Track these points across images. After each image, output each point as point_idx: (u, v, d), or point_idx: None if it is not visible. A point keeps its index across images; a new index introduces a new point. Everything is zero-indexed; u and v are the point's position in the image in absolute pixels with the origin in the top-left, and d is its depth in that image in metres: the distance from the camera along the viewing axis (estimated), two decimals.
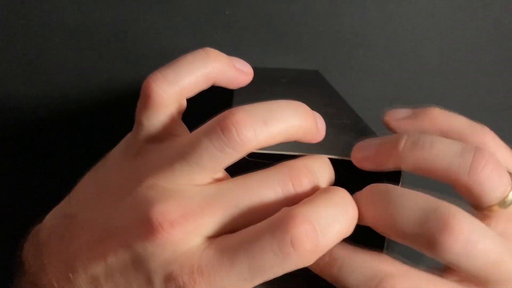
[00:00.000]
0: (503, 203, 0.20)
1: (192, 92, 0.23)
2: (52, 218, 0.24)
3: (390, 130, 0.26)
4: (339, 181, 0.22)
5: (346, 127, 0.28)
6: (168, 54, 0.47)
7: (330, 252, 0.19)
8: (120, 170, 0.22)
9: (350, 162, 0.22)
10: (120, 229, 0.19)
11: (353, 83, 0.49)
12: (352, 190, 0.21)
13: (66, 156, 0.50)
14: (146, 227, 0.18)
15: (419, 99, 0.51)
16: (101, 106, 0.48)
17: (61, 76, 0.47)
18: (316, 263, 0.19)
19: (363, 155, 0.22)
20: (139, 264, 0.18)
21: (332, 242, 0.18)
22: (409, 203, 0.19)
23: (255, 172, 0.20)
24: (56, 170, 0.51)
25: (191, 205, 0.18)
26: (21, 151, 0.50)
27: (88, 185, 0.23)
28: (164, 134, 0.22)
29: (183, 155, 0.19)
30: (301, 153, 0.22)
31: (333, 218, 0.18)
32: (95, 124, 0.49)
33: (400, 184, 0.22)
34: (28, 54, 0.46)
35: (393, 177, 0.22)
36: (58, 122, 0.49)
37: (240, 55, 0.47)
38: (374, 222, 0.20)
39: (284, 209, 0.18)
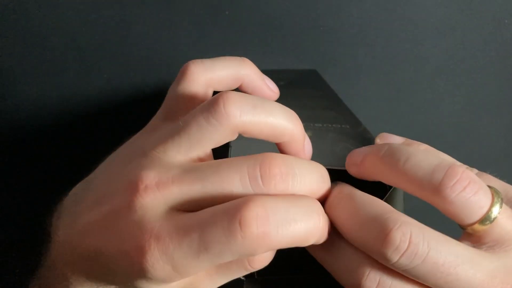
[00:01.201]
0: (483, 221, 0.19)
1: (220, 85, 0.25)
2: (77, 185, 0.25)
3: None
4: None
5: (345, 132, 0.28)
6: (168, 54, 0.47)
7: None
8: (133, 143, 0.25)
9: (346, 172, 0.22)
10: (113, 191, 0.20)
11: (353, 83, 0.49)
12: None
13: (66, 155, 0.50)
14: (127, 189, 0.19)
15: (419, 99, 0.51)
16: (101, 106, 0.48)
17: (61, 76, 0.47)
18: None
19: (352, 161, 0.22)
20: (115, 223, 0.19)
21: (283, 240, 0.18)
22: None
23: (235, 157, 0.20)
24: (56, 169, 0.51)
25: (166, 175, 0.19)
26: (21, 151, 0.50)
27: (109, 156, 0.25)
28: (181, 113, 0.23)
29: (179, 128, 0.20)
30: None
31: (292, 217, 0.18)
32: (95, 124, 0.49)
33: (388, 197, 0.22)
34: (28, 54, 0.46)
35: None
36: (58, 122, 0.49)
37: (240, 55, 0.47)
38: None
39: (247, 195, 0.18)
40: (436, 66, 0.49)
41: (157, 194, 0.19)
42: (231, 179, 0.19)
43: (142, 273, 0.18)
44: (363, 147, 0.22)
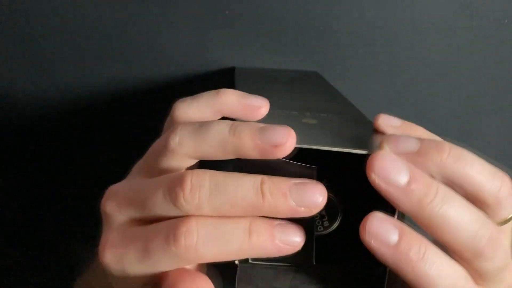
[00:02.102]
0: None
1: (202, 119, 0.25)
2: None
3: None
4: (348, 176, 0.22)
5: (351, 120, 0.28)
6: (168, 54, 0.47)
7: (420, 250, 0.20)
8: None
9: (361, 156, 0.22)
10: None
11: (353, 83, 0.49)
12: (363, 185, 0.21)
13: (66, 155, 0.50)
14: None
15: (419, 99, 0.51)
16: (101, 106, 0.48)
17: (61, 76, 0.47)
18: (407, 261, 0.20)
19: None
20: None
21: (209, 253, 0.20)
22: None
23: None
24: (56, 169, 0.51)
25: (130, 194, 0.23)
26: (21, 150, 0.50)
27: None
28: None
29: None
30: (317, 147, 0.21)
31: (218, 233, 0.20)
32: (95, 123, 0.49)
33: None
34: (28, 54, 0.46)
35: None
36: (58, 121, 0.49)
37: (240, 55, 0.47)
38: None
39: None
40: (436, 66, 0.49)
41: (117, 212, 0.23)
42: (151, 194, 0.21)
43: (105, 271, 0.22)
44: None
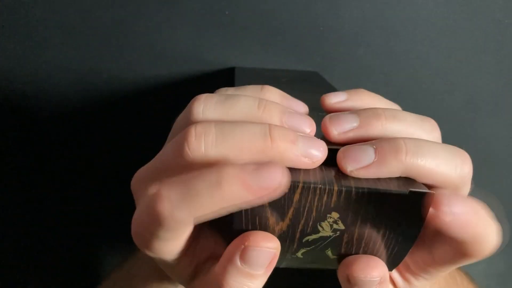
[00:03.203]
0: None
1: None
2: None
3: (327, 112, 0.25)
4: None
5: None
6: (168, 54, 0.47)
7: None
8: None
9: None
10: None
11: (353, 83, 0.49)
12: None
13: (66, 155, 0.50)
14: None
15: (419, 99, 0.51)
16: (101, 106, 0.48)
17: (61, 76, 0.47)
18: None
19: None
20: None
21: (184, 214, 0.19)
22: None
23: None
24: (56, 169, 0.51)
25: (150, 166, 0.23)
26: (21, 151, 0.50)
27: None
28: None
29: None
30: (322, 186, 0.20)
31: (185, 193, 0.19)
32: (95, 123, 0.49)
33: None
34: (28, 54, 0.46)
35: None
36: (58, 121, 0.49)
37: (240, 55, 0.47)
38: None
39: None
40: (436, 66, 0.49)
41: (140, 188, 0.23)
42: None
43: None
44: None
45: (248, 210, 0.21)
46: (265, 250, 0.20)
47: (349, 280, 0.22)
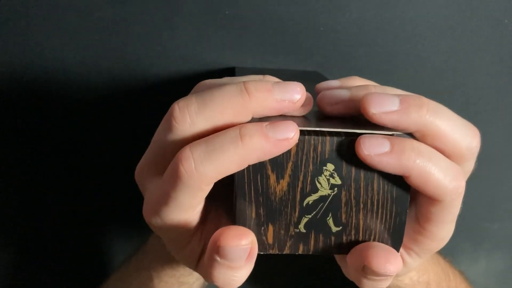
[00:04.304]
0: None
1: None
2: None
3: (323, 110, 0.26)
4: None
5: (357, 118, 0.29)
6: (168, 54, 0.47)
7: (413, 145, 0.22)
8: None
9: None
10: None
11: None
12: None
13: (66, 155, 0.50)
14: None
15: None
16: (101, 106, 0.48)
17: (61, 76, 0.47)
18: (407, 156, 0.21)
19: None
20: None
21: (210, 171, 0.20)
22: None
23: None
24: (56, 169, 0.51)
25: (147, 155, 0.25)
26: (21, 151, 0.50)
27: None
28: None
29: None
30: (317, 128, 0.22)
31: (209, 151, 0.20)
32: (95, 123, 0.49)
33: None
34: (28, 54, 0.46)
35: None
36: (58, 121, 0.49)
37: (240, 55, 0.47)
38: None
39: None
40: (436, 66, 0.49)
41: (142, 178, 0.25)
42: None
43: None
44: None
45: (250, 169, 0.22)
46: (239, 248, 0.21)
47: (364, 270, 0.22)
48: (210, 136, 0.21)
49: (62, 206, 0.52)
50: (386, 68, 0.49)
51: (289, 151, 0.22)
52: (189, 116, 0.21)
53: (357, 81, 0.27)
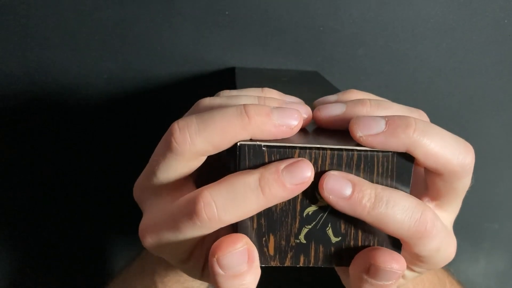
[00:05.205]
0: None
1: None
2: None
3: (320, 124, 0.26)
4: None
5: None
6: (168, 54, 0.47)
7: (374, 195, 0.22)
8: None
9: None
10: None
11: (353, 83, 0.49)
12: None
13: (66, 156, 0.50)
14: None
15: (419, 99, 0.51)
16: (101, 106, 0.48)
17: (61, 76, 0.47)
18: (362, 207, 0.22)
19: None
20: None
21: (231, 218, 0.21)
22: None
23: None
24: (56, 170, 0.51)
25: (145, 174, 0.25)
26: (21, 151, 0.50)
27: None
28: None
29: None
30: (317, 145, 0.22)
31: (231, 200, 0.21)
32: (95, 124, 0.49)
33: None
34: (28, 54, 0.46)
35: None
36: (58, 122, 0.49)
37: (240, 55, 0.47)
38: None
39: (196, 190, 0.22)
40: (436, 66, 0.50)
41: (141, 197, 0.26)
42: None
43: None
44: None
45: None
46: (235, 252, 0.21)
47: (369, 271, 0.23)
48: (228, 181, 0.21)
49: (62, 207, 0.52)
50: (386, 68, 0.49)
51: None
52: (190, 137, 0.21)
53: (354, 95, 0.28)
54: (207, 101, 0.25)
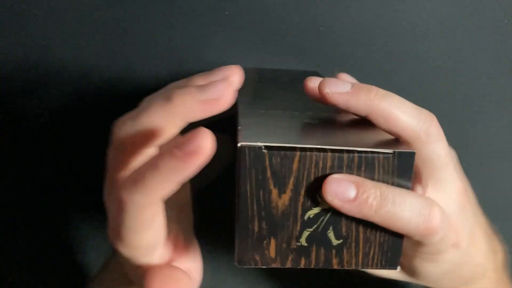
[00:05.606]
0: None
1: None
2: None
3: (320, 100, 0.27)
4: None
5: (354, 119, 0.29)
6: (168, 54, 0.47)
7: (379, 194, 0.22)
8: None
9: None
10: None
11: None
12: None
13: (66, 156, 0.50)
14: None
15: (419, 99, 0.51)
16: (101, 106, 0.48)
17: (61, 76, 0.47)
18: (368, 207, 0.22)
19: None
20: None
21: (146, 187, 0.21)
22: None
23: None
24: (56, 170, 0.51)
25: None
26: (21, 151, 0.50)
27: None
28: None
29: None
30: (318, 146, 0.23)
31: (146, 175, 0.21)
32: (95, 124, 0.49)
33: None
34: (28, 54, 0.46)
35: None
36: (58, 122, 0.49)
37: (240, 55, 0.47)
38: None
39: None
40: (436, 66, 0.50)
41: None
42: None
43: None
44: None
45: (253, 184, 0.22)
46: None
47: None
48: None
49: (60, 207, 0.52)
50: (386, 68, 0.49)
51: (291, 166, 0.22)
52: (128, 125, 0.24)
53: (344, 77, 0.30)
54: (146, 98, 0.27)
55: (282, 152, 0.22)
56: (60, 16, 0.45)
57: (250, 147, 0.22)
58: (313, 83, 0.27)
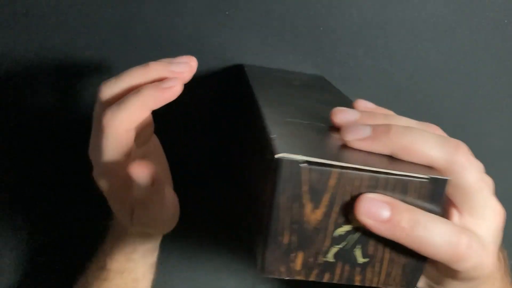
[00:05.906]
0: None
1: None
2: None
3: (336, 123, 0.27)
4: None
5: None
6: (168, 54, 0.47)
7: (412, 217, 0.22)
8: None
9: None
10: None
11: (352, 83, 0.49)
12: None
13: (66, 156, 0.50)
14: None
15: (419, 99, 0.51)
16: None
17: (61, 76, 0.47)
18: (401, 230, 0.22)
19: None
20: None
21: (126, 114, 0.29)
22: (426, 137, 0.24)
23: None
24: (56, 170, 0.51)
25: None
26: (21, 151, 0.50)
27: None
28: None
29: None
30: (357, 166, 0.22)
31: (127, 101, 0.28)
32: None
33: None
34: (28, 54, 0.46)
35: None
36: (58, 122, 0.49)
37: (239, 55, 0.47)
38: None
39: None
40: (436, 66, 0.50)
41: None
42: None
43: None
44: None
45: (287, 196, 0.22)
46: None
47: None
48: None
49: (60, 207, 0.52)
50: (386, 68, 0.49)
51: (327, 182, 0.22)
52: (111, 86, 0.30)
53: (377, 114, 0.28)
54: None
55: (321, 168, 0.22)
56: (60, 16, 0.45)
57: (288, 160, 0.21)
58: (339, 118, 0.27)
